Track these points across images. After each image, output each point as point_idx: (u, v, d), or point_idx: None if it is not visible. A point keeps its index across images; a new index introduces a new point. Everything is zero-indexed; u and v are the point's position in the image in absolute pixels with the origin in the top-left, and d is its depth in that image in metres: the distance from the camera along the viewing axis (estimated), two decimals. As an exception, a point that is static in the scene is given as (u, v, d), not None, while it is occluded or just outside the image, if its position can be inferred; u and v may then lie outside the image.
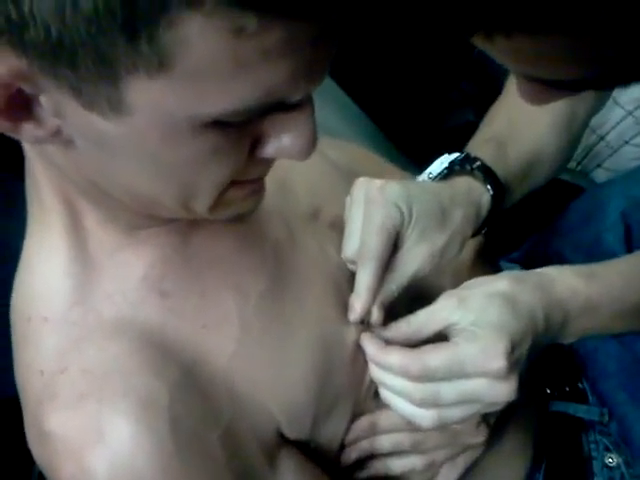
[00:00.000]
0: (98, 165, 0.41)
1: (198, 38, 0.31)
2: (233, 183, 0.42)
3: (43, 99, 0.36)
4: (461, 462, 0.59)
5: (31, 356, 0.46)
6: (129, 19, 0.30)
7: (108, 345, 0.45)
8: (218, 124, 0.36)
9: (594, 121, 0.86)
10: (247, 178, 0.43)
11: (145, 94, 0.33)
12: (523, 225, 0.90)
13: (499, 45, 0.34)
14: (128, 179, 0.41)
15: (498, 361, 0.49)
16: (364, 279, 0.54)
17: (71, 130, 0.38)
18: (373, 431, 0.56)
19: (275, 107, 0.37)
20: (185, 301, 0.48)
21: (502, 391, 0.50)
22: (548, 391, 0.70)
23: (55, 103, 0.36)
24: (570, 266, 0.58)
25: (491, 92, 0.78)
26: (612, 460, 0.67)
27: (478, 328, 0.51)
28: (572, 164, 1.01)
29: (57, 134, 0.38)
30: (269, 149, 0.41)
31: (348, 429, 0.55)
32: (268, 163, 0.44)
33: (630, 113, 0.96)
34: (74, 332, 0.45)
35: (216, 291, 0.50)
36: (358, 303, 0.54)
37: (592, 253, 0.71)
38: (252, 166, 0.42)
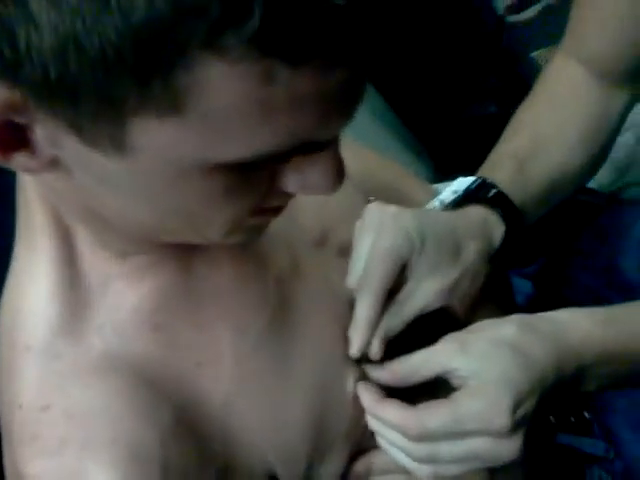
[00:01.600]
0: (97, 197, 0.37)
1: (219, 84, 0.28)
2: (251, 212, 0.39)
3: (38, 130, 0.32)
4: None
5: (12, 386, 0.42)
6: (141, 64, 0.27)
7: (95, 384, 0.41)
8: (233, 165, 0.32)
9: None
10: (266, 207, 0.40)
11: (152, 136, 0.30)
12: (539, 237, 0.87)
13: None
14: (131, 213, 0.38)
15: (501, 419, 0.46)
16: (362, 309, 0.51)
17: (69, 162, 0.34)
18: (368, 473, 0.53)
19: (301, 149, 0.33)
20: (179, 336, 0.45)
21: (504, 451, 0.47)
22: (552, 420, 0.68)
23: (52, 135, 0.32)
24: (585, 309, 0.54)
25: (515, 87, 0.74)
26: (616, 498, 0.65)
27: (481, 381, 0.48)
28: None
29: (53, 164, 0.34)
30: (291, 185, 0.37)
31: (346, 468, 0.53)
32: (289, 194, 0.40)
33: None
34: (58, 365, 0.42)
35: (213, 326, 0.46)
36: (356, 335, 0.51)
37: (610, 280, 0.68)
38: (272, 197, 0.38)
